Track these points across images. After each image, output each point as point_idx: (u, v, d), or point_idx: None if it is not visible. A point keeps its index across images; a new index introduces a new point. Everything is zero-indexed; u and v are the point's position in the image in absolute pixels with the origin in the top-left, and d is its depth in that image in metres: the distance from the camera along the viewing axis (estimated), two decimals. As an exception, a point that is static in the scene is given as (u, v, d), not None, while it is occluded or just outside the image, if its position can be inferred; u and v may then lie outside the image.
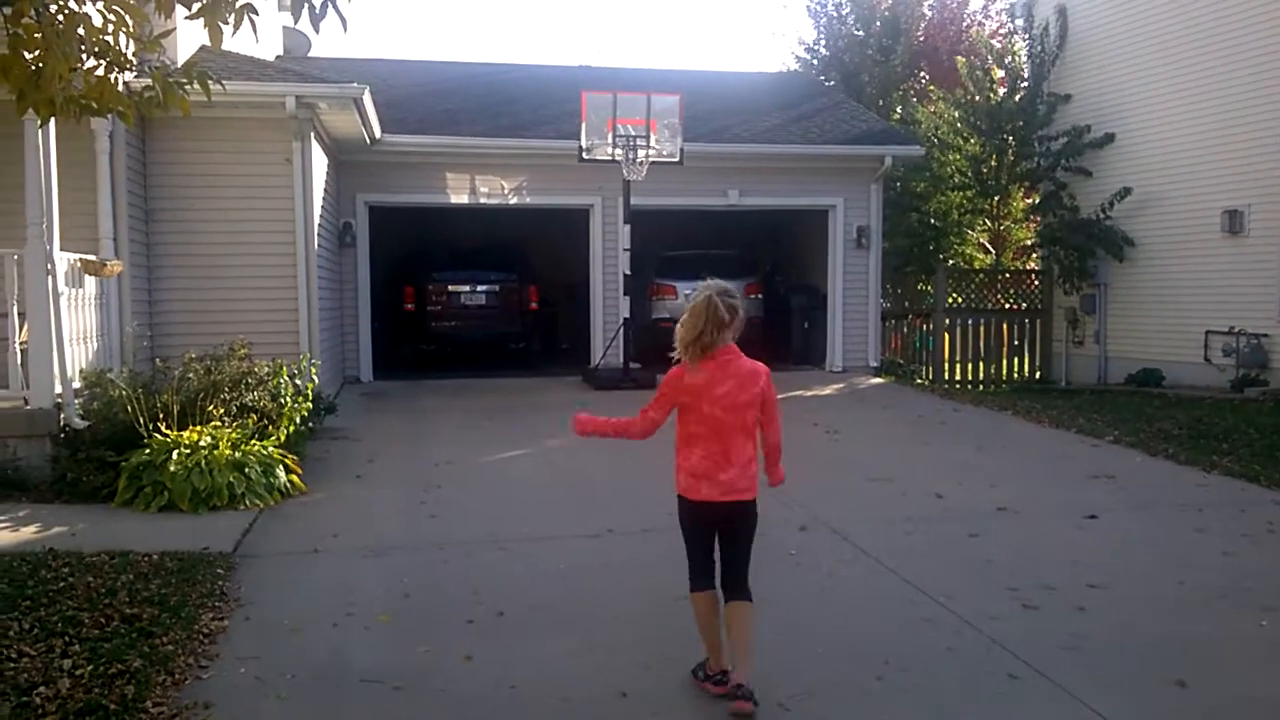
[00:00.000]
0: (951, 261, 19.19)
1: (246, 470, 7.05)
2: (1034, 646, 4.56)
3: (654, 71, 18.42)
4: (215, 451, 7.03)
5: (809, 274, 16.49)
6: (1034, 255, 19.90)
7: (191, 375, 7.93)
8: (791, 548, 6.11)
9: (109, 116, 4.18)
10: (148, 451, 7.02)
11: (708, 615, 4.06)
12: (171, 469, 6.84)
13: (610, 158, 12.98)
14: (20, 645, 4.32)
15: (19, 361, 7.53)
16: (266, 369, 8.36)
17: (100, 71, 3.91)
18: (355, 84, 10.61)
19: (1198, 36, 14.24)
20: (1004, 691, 4.17)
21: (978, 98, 17.57)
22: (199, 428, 7.34)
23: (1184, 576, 5.67)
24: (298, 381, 8.61)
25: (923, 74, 24.53)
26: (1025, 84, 17.38)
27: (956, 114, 17.79)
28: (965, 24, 25.06)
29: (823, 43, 25.80)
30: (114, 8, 3.70)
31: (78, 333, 8.00)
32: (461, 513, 7.07)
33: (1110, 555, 6.10)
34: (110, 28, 3.78)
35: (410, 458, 8.95)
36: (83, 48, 3.68)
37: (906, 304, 17.77)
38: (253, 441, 7.41)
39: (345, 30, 3.78)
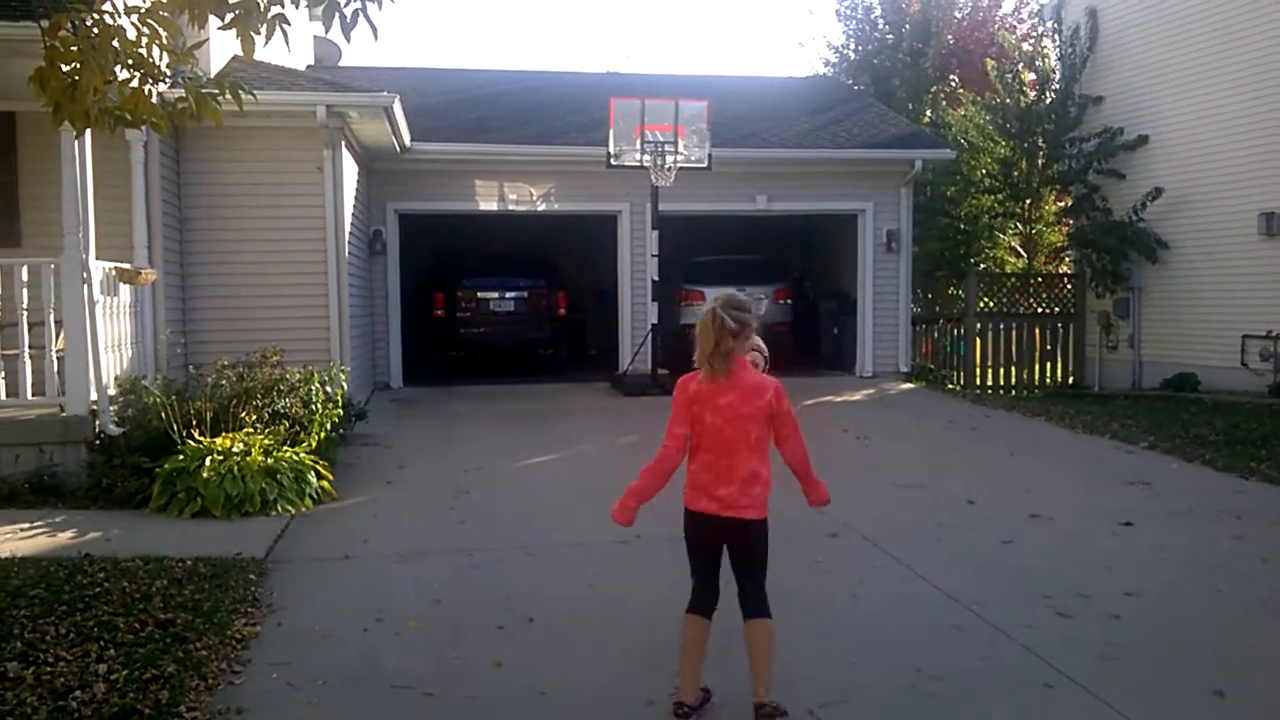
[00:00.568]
0: (983, 265, 19.03)
1: (278, 476, 7.10)
2: (1069, 655, 4.50)
3: (682, 77, 18.43)
4: (247, 458, 7.09)
5: (838, 279, 16.42)
6: (1066, 259, 19.71)
7: (224, 382, 8.01)
8: (821, 555, 6.07)
9: (143, 127, 4.23)
10: (181, 458, 7.09)
11: (690, 638, 3.90)
12: (205, 475, 6.90)
13: (638, 164, 12.99)
14: (56, 649, 4.37)
15: (55, 369, 7.65)
16: (298, 376, 8.42)
17: (134, 83, 3.97)
18: (385, 93, 10.70)
19: (1231, 36, 14.05)
20: (1038, 700, 4.12)
21: (1008, 100, 17.44)
22: (232, 434, 7.41)
23: (1221, 584, 5.58)
24: (329, 388, 8.67)
25: (953, 77, 24.40)
26: (1056, 86, 17.23)
27: (987, 117, 17.66)
28: (996, 26, 24.89)
29: (852, 46, 25.73)
30: (148, 21, 3.75)
31: (112, 340, 8.10)
32: (491, 518, 7.09)
33: (1146, 563, 6.02)
34: (144, 40, 3.83)
35: (440, 464, 8.99)
36: (117, 60, 3.73)
37: (937, 308, 17.67)
38: (284, 448, 7.47)
39: (376, 39, 3.81)
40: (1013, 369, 16.45)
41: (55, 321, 7.62)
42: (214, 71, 4.97)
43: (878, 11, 25.23)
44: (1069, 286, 17.10)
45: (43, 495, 7.20)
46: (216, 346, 9.48)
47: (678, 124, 12.95)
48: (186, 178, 10.12)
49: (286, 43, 3.83)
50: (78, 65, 3.58)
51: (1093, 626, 4.89)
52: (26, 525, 6.55)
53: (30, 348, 7.66)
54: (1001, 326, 16.33)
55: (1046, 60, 17.62)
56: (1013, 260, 20.16)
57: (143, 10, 3.80)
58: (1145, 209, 15.21)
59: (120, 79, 3.92)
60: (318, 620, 4.99)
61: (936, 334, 17.31)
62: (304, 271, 10.37)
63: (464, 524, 6.93)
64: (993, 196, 18.11)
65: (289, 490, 7.09)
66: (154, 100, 4.22)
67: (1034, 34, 22.07)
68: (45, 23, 3.65)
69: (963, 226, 18.66)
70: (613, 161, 13.10)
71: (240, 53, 3.91)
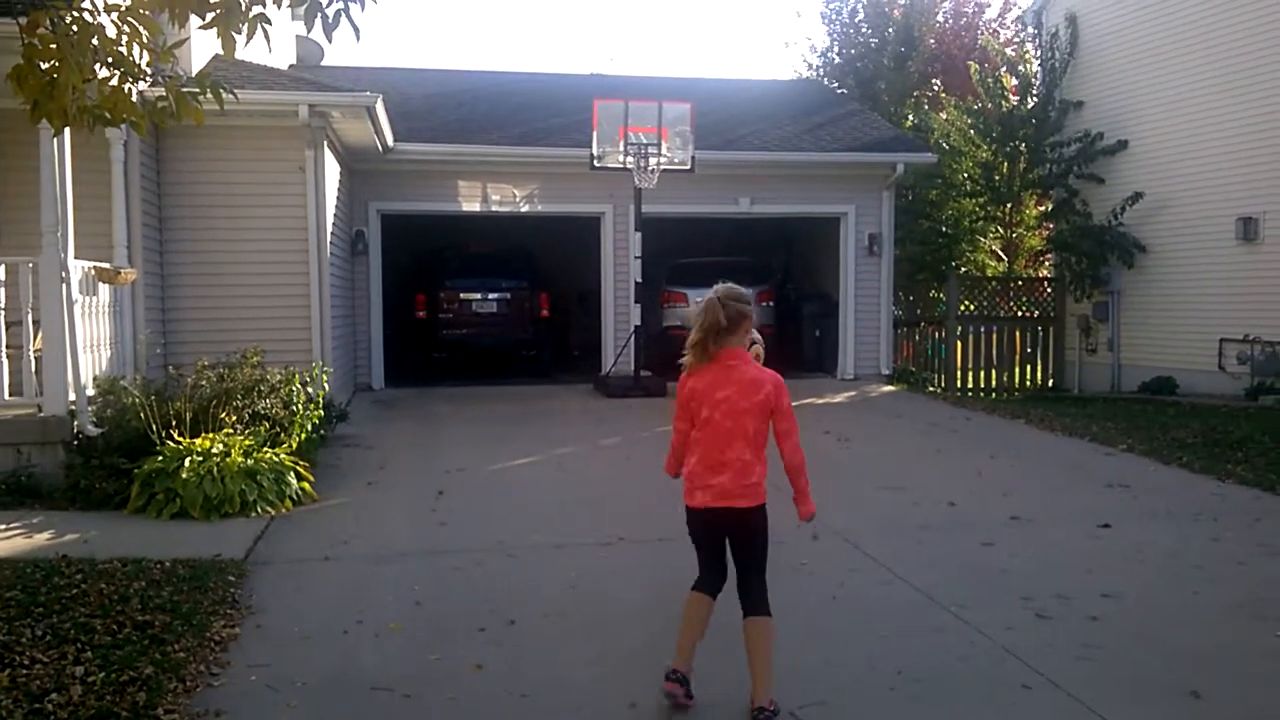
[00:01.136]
0: (964, 269, 19.15)
1: (258, 478, 7.07)
2: (1047, 656, 4.53)
3: (666, 80, 18.45)
4: (227, 459, 7.05)
5: (821, 281, 16.47)
6: (1046, 262, 19.84)
7: (204, 383, 7.96)
8: (803, 557, 6.09)
9: (123, 126, 4.20)
10: (160, 459, 7.05)
11: (691, 613, 3.99)
12: (184, 476, 6.86)
13: (622, 165, 13.00)
14: (33, 652, 4.34)
15: (33, 369, 7.58)
16: (279, 376, 8.38)
17: (114, 82, 3.94)
18: (368, 92, 10.66)
19: (1210, 42, 14.20)
20: (1017, 702, 4.14)
21: (990, 105, 17.54)
22: (211, 435, 7.37)
23: (1198, 586, 5.63)
24: (310, 389, 8.64)
25: (936, 81, 24.53)
26: (1037, 91, 17.35)
27: (969, 121, 17.77)
28: (979, 31, 25.05)
29: (836, 49, 25.82)
30: (128, 19, 3.72)
31: (91, 340, 8.04)
32: (473, 520, 7.07)
33: (1124, 565, 6.07)
34: (124, 38, 3.80)
35: (421, 465, 8.96)
36: (96, 58, 3.70)
37: (918, 311, 17.73)
38: (265, 449, 7.43)
39: (358, 39, 3.80)
40: (993, 372, 16.55)
41: (33, 321, 7.55)
42: (195, 70, 4.96)
43: (861, 15, 25.34)
44: (1049, 290, 17.22)
45: (20, 496, 7.14)
46: (197, 347, 9.41)
47: (661, 126, 12.97)
48: (167, 177, 10.05)
49: (268, 42, 3.81)
50: (56, 63, 3.55)
51: (1071, 628, 4.92)
52: (3, 527, 6.49)
53: (8, 347, 7.59)
54: (982, 329, 16.43)
55: (1028, 65, 17.75)
56: (993, 264, 20.29)
57: (123, 8, 3.77)
58: (1125, 213, 15.33)
59: (99, 77, 3.89)
60: (297, 622, 4.97)
61: (918, 337, 17.39)
62: (285, 272, 10.31)
63: (445, 525, 6.91)
64: (974, 200, 18.22)
65: (269, 491, 7.06)
66: (134, 99, 4.19)
67: (1017, 39, 22.21)
68: (23, 20, 3.62)
69: (944, 230, 18.77)
70: (596, 163, 13.10)
71: (221, 52, 3.89)
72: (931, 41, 24.53)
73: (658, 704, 3.99)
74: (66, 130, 6.15)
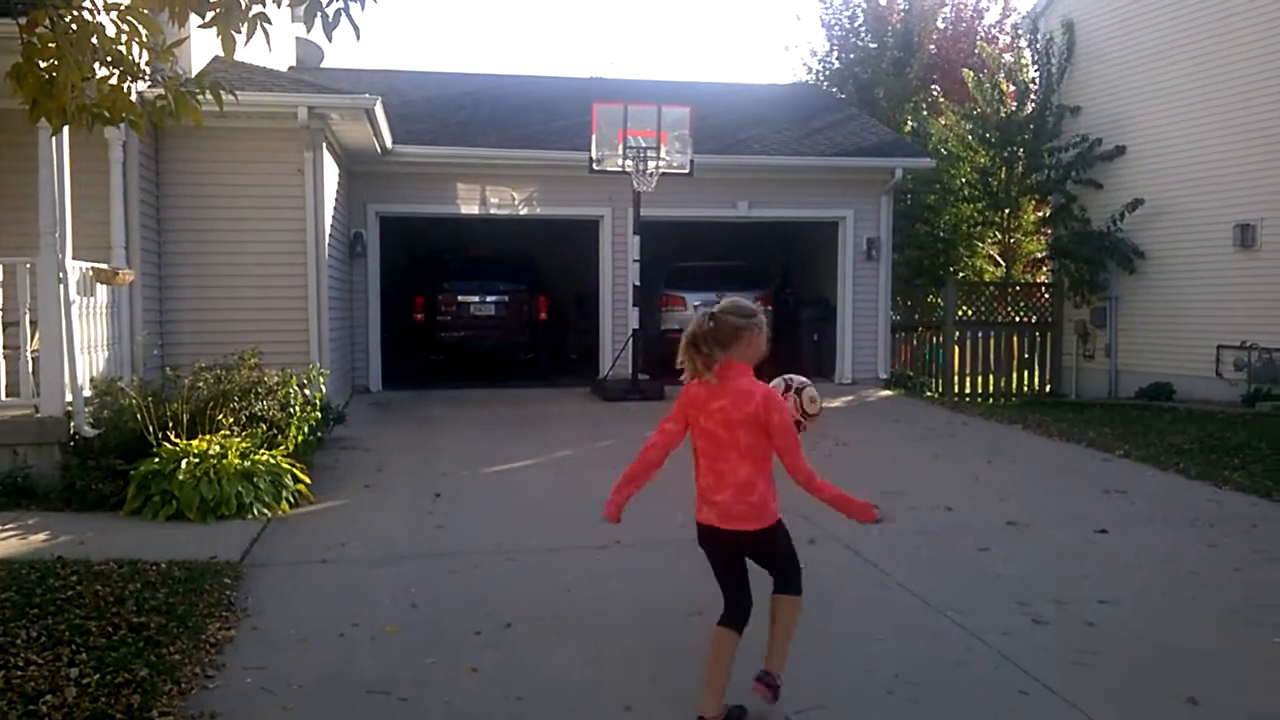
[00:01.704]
0: (961, 274, 19.14)
1: (255, 480, 7.05)
2: (1044, 662, 4.53)
3: (665, 83, 18.46)
4: (224, 461, 7.04)
5: (819, 286, 16.48)
6: (1044, 268, 19.86)
7: (201, 384, 7.95)
8: (800, 561, 6.06)
9: (122, 126, 4.20)
10: (157, 460, 7.03)
11: (715, 651, 3.81)
12: (180, 478, 6.85)
13: (620, 169, 13.00)
14: (27, 653, 4.33)
15: (30, 369, 7.57)
16: (276, 378, 8.38)
17: (113, 81, 3.93)
18: (367, 95, 10.65)
19: (1208, 50, 14.23)
20: (1014, 707, 4.14)
21: (988, 110, 17.57)
22: (208, 437, 7.36)
23: (1195, 592, 5.63)
24: (307, 391, 8.63)
25: (935, 87, 24.55)
26: (1035, 96, 17.37)
27: (967, 126, 17.79)
28: (978, 37, 25.08)
29: (835, 54, 25.84)
30: (128, 18, 3.72)
31: (89, 341, 8.02)
32: (469, 523, 7.06)
33: (1121, 570, 6.06)
34: (124, 37, 3.80)
35: (418, 468, 8.95)
36: (95, 57, 3.70)
37: (916, 316, 17.74)
38: (261, 451, 7.42)
39: (358, 39, 3.80)
40: (990, 377, 16.58)
41: (31, 321, 7.54)
42: (195, 71, 4.95)
43: (861, 20, 25.36)
44: (1046, 296, 17.24)
45: (15, 497, 7.13)
46: (194, 348, 9.40)
47: (660, 130, 12.98)
48: (166, 178, 10.04)
49: (268, 42, 3.81)
50: (55, 61, 3.55)
51: (1068, 633, 4.92)
52: (-2, 527, 6.48)
53: (5, 348, 7.57)
54: (980, 335, 16.45)
55: (1025, 71, 17.78)
56: (991, 269, 20.29)
57: (122, 7, 3.77)
58: (1124, 219, 15.35)
59: (99, 76, 3.89)
60: (293, 624, 4.96)
61: (916, 341, 17.40)
62: (283, 274, 10.30)
63: (442, 528, 6.90)
64: (972, 205, 18.23)
65: (266, 493, 7.05)
66: (133, 98, 4.19)
67: (1015, 45, 22.25)
68: (23, 19, 3.62)
69: (942, 235, 18.77)
70: (595, 166, 13.10)
71: (221, 53, 3.88)
72: (931, 47, 24.53)
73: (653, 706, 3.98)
74: (65, 130, 6.16)
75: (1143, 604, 5.42)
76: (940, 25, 25.44)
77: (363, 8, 3.76)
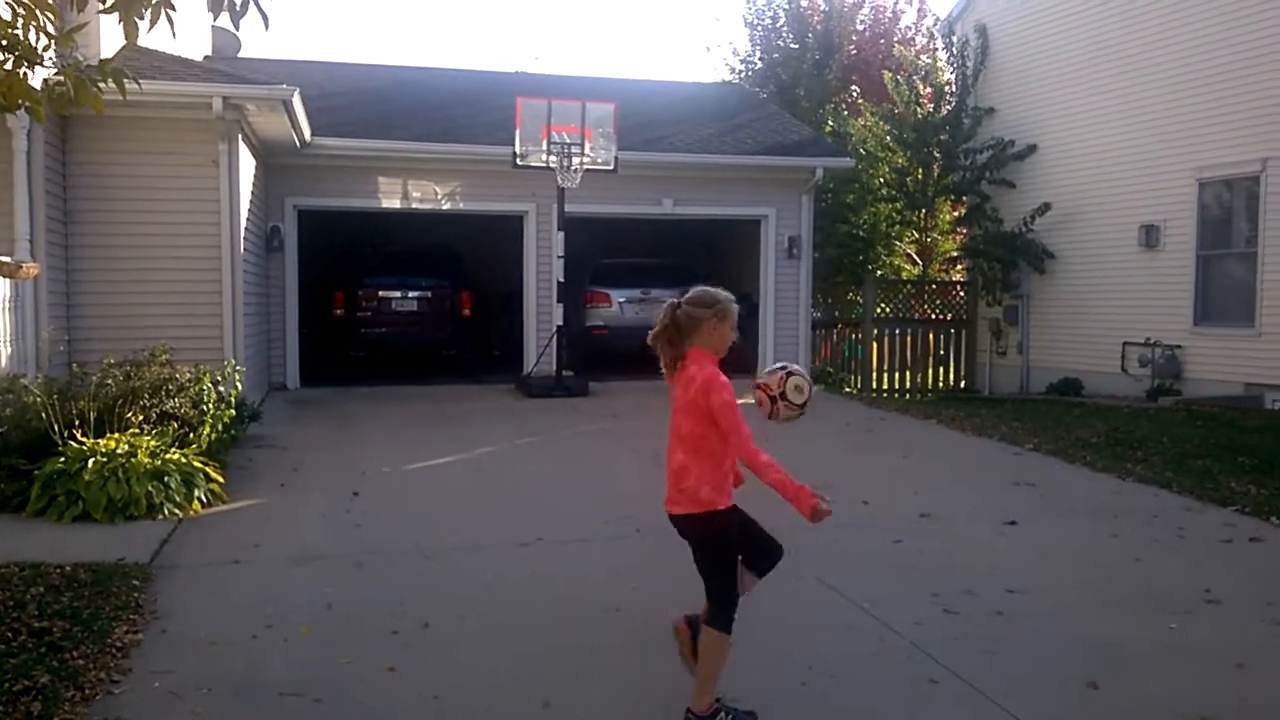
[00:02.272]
0: (880, 272, 19.51)
1: (165, 479, 6.87)
2: (954, 651, 4.65)
3: (590, 80, 18.45)
4: (133, 460, 6.84)
5: (742, 283, 16.58)
6: (959, 267, 20.33)
7: (110, 381, 7.73)
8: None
9: (24, 114, 4.05)
10: (62, 460, 6.81)
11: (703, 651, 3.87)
12: (86, 478, 6.64)
13: (545, 165, 12.96)
14: (-80, 661, 4.16)
15: (-75, 366, 7.27)
16: (188, 375, 8.17)
17: (9, 66, 3.79)
18: (285, 85, 10.44)
19: (1114, 55, 14.69)
20: (924, 695, 4.24)
21: (905, 112, 17.91)
22: (117, 435, 7.14)
23: (1098, 581, 5.82)
24: (221, 388, 8.44)
25: (854, 87, 24.95)
26: (951, 98, 17.76)
27: (885, 127, 18.11)
28: (896, 39, 25.55)
29: (758, 54, 26.10)
30: (24, 1, 3.59)
31: (-11, 337, 7.73)
32: (387, 521, 6.98)
33: (1028, 561, 6.25)
34: (20, 21, 3.67)
35: (336, 466, 8.81)
36: (-9, 42, 3.57)
37: (836, 313, 18.04)
38: (173, 449, 7.23)
39: (266, 28, 3.73)
40: (908, 373, 16.91)
41: (-75, 316, 7.24)
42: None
43: (783, 21, 25.65)
44: (961, 294, 17.65)
45: (-90, 499, 6.84)
46: (103, 344, 9.11)
47: (585, 126, 12.97)
48: (74, 169, 9.71)
49: (172, 29, 3.70)
50: (-53, 47, 3.42)
51: (977, 623, 5.05)
52: (-110, 530, 6.21)
53: (-103, 343, 7.27)
54: (897, 331, 16.78)
55: (941, 73, 18.16)
56: (909, 267, 20.73)
57: (19, -9, 3.64)
58: (1035, 222, 15.78)
59: (-6, 62, 3.75)
60: (204, 627, 4.84)
61: (835, 338, 17.69)
62: (197, 268, 10.04)
63: (359, 527, 6.81)
64: (890, 205, 18.59)
65: (177, 493, 6.87)
66: (34, 85, 4.04)
67: (931, 48, 22.71)
68: (-88, 1, 3.47)
69: (861, 234, 19.10)
70: (519, 162, 13.03)
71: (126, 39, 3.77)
72: (850, 49, 24.95)
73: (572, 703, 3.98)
74: (-38, 118, 5.91)
75: (1049, 593, 5.59)
76: (859, 27, 25.86)
77: (273, -4, 3.69)
